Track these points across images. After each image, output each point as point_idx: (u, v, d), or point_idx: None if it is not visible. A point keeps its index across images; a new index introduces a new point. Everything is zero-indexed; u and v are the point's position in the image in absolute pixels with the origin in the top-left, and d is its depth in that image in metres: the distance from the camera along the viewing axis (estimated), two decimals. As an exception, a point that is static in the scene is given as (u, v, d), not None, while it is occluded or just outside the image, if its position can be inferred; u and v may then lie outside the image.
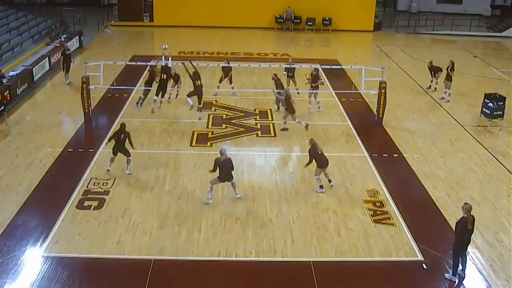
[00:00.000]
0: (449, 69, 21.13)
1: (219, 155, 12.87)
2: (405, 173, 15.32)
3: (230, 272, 10.85)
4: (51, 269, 10.64)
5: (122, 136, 14.26)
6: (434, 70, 22.30)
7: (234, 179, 13.26)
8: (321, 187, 13.84)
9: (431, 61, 22.50)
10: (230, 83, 20.74)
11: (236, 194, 13.35)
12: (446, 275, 10.75)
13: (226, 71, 20.60)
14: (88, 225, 12.13)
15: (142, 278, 10.43)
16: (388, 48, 31.84)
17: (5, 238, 11.56)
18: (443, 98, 21.39)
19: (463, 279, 10.71)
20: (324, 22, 35.76)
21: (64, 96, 20.98)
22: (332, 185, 14.03)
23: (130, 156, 14.41)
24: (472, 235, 12.02)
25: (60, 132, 17.49)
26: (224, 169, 12.86)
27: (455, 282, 10.62)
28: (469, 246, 11.62)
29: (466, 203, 10.54)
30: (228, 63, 20.80)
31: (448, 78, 21.13)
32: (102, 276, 10.61)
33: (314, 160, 13.66)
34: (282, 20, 35.75)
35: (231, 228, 12.19)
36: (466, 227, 10.38)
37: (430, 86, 22.87)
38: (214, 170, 12.88)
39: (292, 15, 35.64)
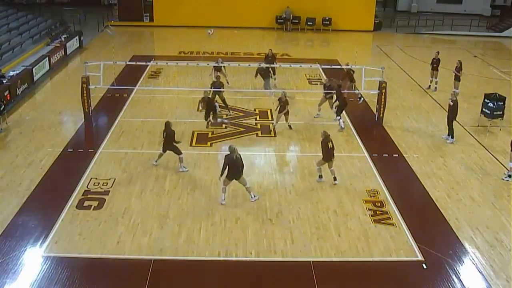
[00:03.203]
0: (457, 69, 21.18)
1: (229, 153, 12.93)
2: (405, 173, 15.32)
3: (230, 272, 10.85)
4: (51, 269, 10.64)
5: (165, 134, 14.53)
6: (437, 64, 22.22)
7: (248, 183, 13.27)
8: (320, 177, 14.36)
9: (438, 51, 22.55)
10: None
11: (252, 197, 13.31)
12: None
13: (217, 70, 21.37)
14: (88, 225, 12.13)
15: (142, 278, 10.43)
16: (388, 48, 31.85)
17: (5, 238, 11.56)
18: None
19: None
20: (324, 22, 35.77)
21: (64, 96, 20.97)
22: (336, 183, 14.23)
23: (181, 153, 14.71)
24: (472, 235, 12.11)
25: (60, 132, 17.48)
26: (232, 168, 12.87)
27: None
28: (469, 246, 11.70)
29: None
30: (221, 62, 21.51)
31: (457, 78, 21.28)
32: (102, 276, 10.61)
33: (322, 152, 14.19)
34: (283, 20, 35.75)
35: (231, 228, 12.19)
36: None
37: (429, 86, 22.88)
38: (223, 169, 12.91)
39: (291, 15, 35.65)
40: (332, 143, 14.03)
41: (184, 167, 14.75)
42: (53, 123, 18.09)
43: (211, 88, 18.83)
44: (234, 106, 19.60)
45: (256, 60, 25.94)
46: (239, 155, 12.94)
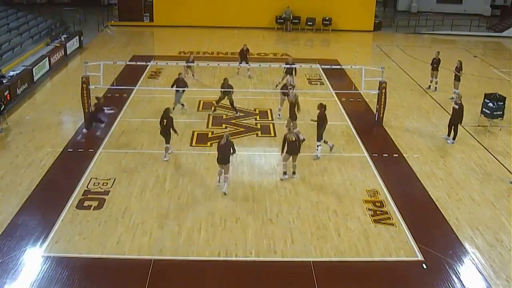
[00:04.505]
0: (457, 69, 21.19)
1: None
2: (405, 173, 15.31)
3: (230, 272, 10.85)
4: (51, 269, 10.64)
5: (165, 121, 14.83)
6: (437, 64, 22.20)
7: (229, 174, 13.53)
8: (285, 173, 14.33)
9: (438, 52, 22.52)
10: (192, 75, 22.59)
11: (224, 187, 13.59)
12: None
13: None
14: (88, 225, 12.13)
15: (142, 278, 10.43)
16: (388, 48, 31.84)
17: (5, 238, 11.56)
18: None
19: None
20: (324, 22, 35.77)
21: (64, 96, 20.96)
22: (294, 177, 14.45)
23: (168, 143, 15.16)
24: (472, 235, 12.11)
25: (60, 132, 17.48)
26: (220, 152, 13.32)
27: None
28: (469, 246, 11.69)
29: None
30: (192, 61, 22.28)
31: (457, 78, 21.30)
32: (102, 276, 10.61)
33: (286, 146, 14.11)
34: (283, 20, 35.74)
35: (231, 228, 12.19)
36: None
37: (429, 86, 22.88)
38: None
39: (291, 15, 35.65)
40: (295, 137, 13.99)
41: (168, 155, 15.25)
42: (53, 123, 18.09)
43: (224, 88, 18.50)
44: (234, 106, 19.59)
45: (257, 60, 25.93)
46: (229, 142, 13.34)
